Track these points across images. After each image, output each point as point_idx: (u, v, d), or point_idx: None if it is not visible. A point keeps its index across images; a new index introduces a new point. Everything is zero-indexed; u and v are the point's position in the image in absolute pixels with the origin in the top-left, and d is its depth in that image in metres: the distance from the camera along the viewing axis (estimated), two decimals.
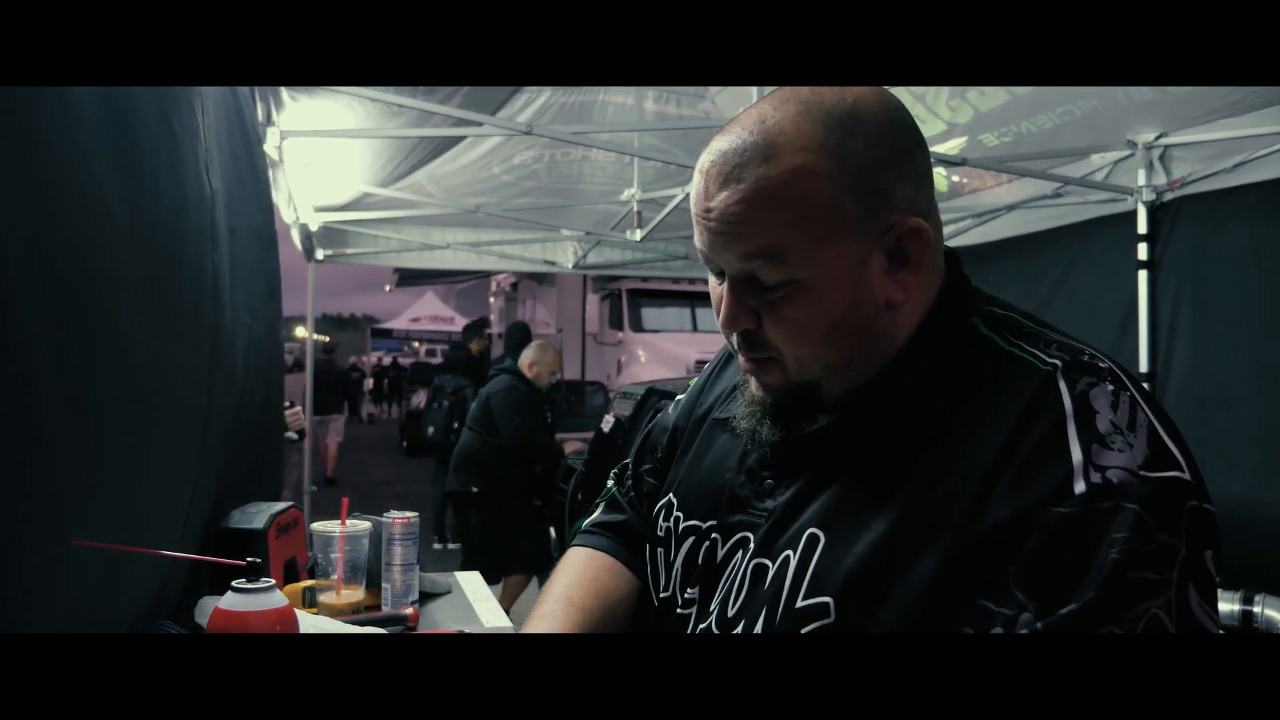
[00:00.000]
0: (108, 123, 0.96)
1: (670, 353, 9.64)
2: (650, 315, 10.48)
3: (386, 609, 1.50)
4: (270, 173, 2.80)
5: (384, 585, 1.52)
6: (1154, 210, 3.20)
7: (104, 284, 0.95)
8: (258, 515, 1.56)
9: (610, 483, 1.13)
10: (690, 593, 0.89)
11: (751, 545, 0.83)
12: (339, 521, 1.51)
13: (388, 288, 26.97)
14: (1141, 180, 3.16)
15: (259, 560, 0.94)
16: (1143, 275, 3.22)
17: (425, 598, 1.65)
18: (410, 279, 20.53)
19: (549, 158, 4.15)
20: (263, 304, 2.08)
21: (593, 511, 1.11)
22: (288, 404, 2.98)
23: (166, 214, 1.19)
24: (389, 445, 14.16)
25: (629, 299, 10.41)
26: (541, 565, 4.49)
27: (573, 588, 0.98)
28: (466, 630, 1.49)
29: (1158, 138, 3.08)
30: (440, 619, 1.57)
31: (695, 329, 10.28)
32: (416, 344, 25.63)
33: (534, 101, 3.53)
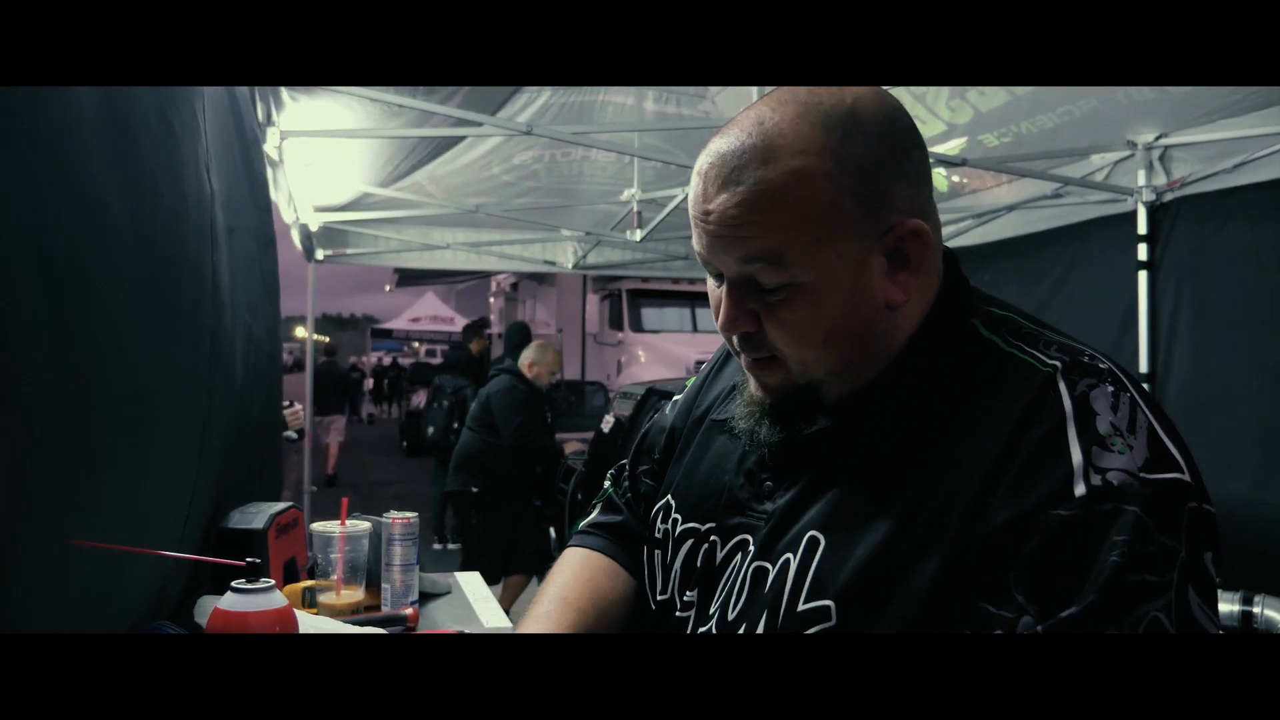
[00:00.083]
0: (108, 123, 0.96)
1: (670, 353, 9.64)
2: (650, 315, 10.48)
3: (386, 609, 1.50)
4: (270, 173, 2.80)
5: (384, 585, 1.52)
6: (1154, 211, 3.20)
7: (104, 284, 0.95)
8: (257, 515, 1.56)
9: (607, 484, 1.13)
10: (689, 596, 0.88)
11: (751, 548, 0.83)
12: (339, 522, 1.51)
13: (388, 288, 26.98)
14: (1141, 180, 3.16)
15: (258, 560, 0.94)
16: (1143, 276, 3.22)
17: (425, 598, 1.65)
18: (410, 279, 20.52)
19: (549, 158, 4.15)
20: (262, 304, 2.08)
21: (590, 512, 1.11)
22: (287, 403, 2.98)
23: (166, 214, 1.19)
24: (389, 445, 14.16)
25: (629, 299, 10.41)
26: (541, 565, 4.49)
27: (568, 588, 0.98)
28: (466, 630, 1.49)
29: (1158, 138, 3.08)
30: (440, 619, 1.57)
31: (695, 329, 10.29)
32: (416, 344, 25.62)
33: (534, 102, 3.53)
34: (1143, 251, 3.22)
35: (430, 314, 23.94)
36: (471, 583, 1.78)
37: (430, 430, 6.12)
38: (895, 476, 0.75)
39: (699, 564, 0.88)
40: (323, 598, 1.50)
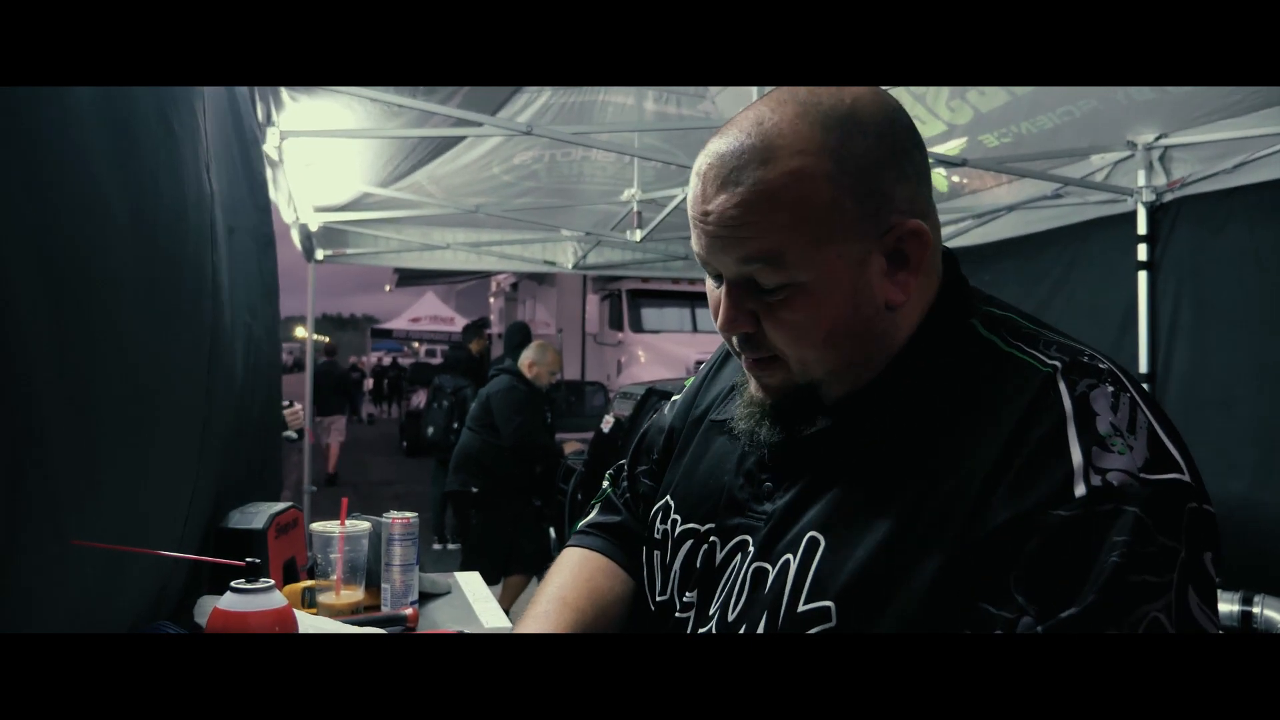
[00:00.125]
0: (108, 123, 0.96)
1: (670, 353, 9.64)
2: (650, 316, 10.48)
3: (386, 609, 1.50)
4: (270, 173, 2.80)
5: (383, 585, 1.52)
6: (1154, 211, 3.20)
7: (104, 284, 0.95)
8: (257, 515, 1.56)
9: (606, 484, 1.13)
10: (689, 596, 0.88)
11: (751, 548, 0.83)
12: (338, 522, 1.51)
13: (388, 288, 26.97)
14: (1141, 181, 3.16)
15: (258, 560, 0.94)
16: (1142, 276, 3.22)
17: (425, 598, 1.65)
18: (410, 279, 20.52)
19: (549, 158, 4.15)
20: (261, 304, 2.08)
21: (589, 513, 1.11)
22: (287, 403, 2.98)
23: (166, 214, 1.19)
24: (389, 445, 14.16)
25: (629, 299, 10.41)
26: (541, 565, 4.49)
27: (566, 588, 0.98)
28: (466, 630, 1.49)
29: (1158, 138, 3.08)
30: (440, 619, 1.57)
31: (695, 329, 10.29)
32: (416, 344, 25.63)
33: (534, 102, 3.53)
34: (1143, 252, 3.22)
35: (430, 314, 23.94)
36: (471, 583, 1.78)
37: (430, 430, 6.12)
38: (895, 477, 0.75)
39: (698, 565, 0.88)
40: (322, 598, 1.50)
